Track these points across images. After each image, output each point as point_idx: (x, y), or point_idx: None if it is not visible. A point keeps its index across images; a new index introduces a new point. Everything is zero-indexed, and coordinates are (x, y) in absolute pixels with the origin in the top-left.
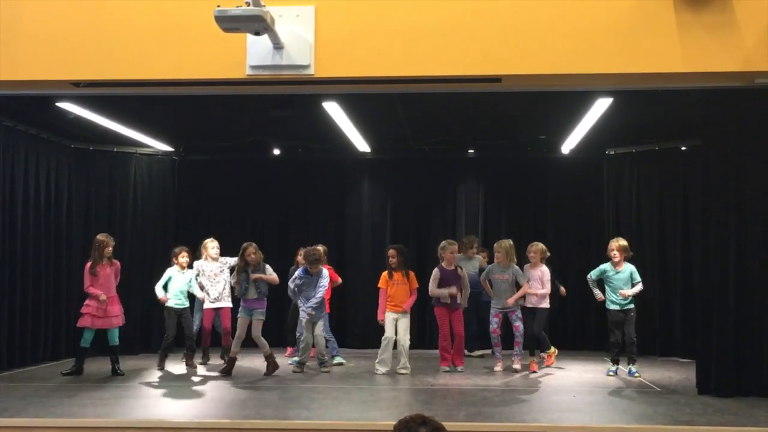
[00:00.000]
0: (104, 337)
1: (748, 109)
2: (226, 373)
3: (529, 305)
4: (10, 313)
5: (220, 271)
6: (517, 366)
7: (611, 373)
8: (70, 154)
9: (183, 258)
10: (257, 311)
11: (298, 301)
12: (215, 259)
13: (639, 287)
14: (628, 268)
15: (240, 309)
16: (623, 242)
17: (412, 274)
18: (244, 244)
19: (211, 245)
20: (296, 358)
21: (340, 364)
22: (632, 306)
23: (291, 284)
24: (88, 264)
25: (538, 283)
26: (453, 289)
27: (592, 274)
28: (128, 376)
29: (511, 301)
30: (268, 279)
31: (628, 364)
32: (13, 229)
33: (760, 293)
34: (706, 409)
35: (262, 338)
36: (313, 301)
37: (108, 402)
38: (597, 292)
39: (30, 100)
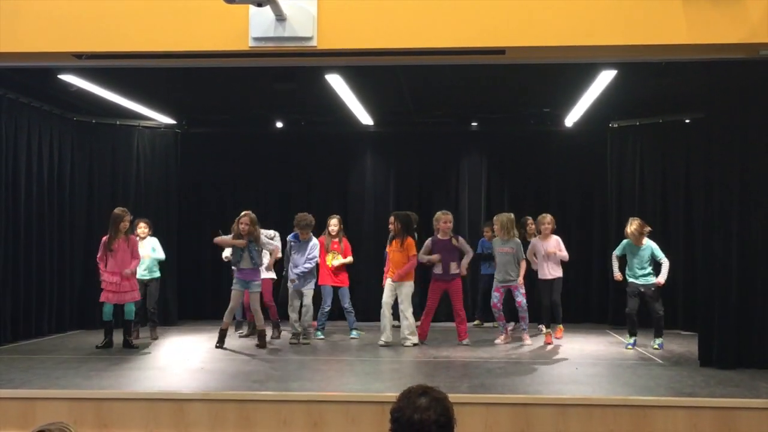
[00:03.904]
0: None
1: (753, 81)
2: (219, 345)
3: (546, 277)
4: (14, 285)
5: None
6: (528, 341)
7: (629, 347)
8: (72, 127)
9: (140, 229)
10: (253, 283)
11: (289, 270)
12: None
13: (665, 266)
14: (649, 246)
15: (234, 281)
16: (633, 226)
17: (408, 241)
18: (242, 213)
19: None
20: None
21: (355, 337)
22: (652, 281)
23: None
24: (105, 238)
25: (554, 253)
26: (435, 256)
27: (617, 251)
28: (132, 349)
29: (520, 280)
30: (271, 250)
31: (654, 337)
32: (16, 202)
33: (763, 266)
34: (708, 381)
35: (260, 311)
36: (300, 270)
37: (112, 374)
38: (616, 271)
39: (33, 73)
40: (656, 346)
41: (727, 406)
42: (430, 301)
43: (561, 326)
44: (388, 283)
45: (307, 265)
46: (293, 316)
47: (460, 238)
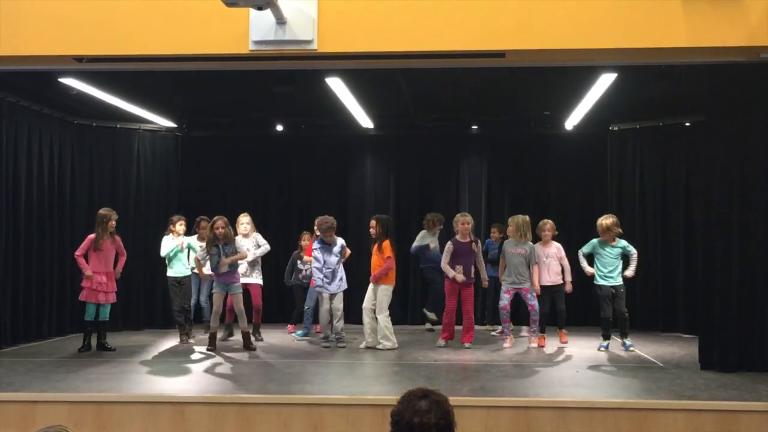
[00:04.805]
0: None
1: (753, 84)
2: (211, 348)
3: (546, 284)
4: (14, 288)
5: (251, 248)
6: (534, 344)
7: (602, 348)
8: (73, 130)
9: (180, 226)
10: (233, 285)
11: (314, 273)
12: (246, 236)
13: (635, 259)
14: (620, 243)
15: (215, 284)
16: (608, 221)
17: (385, 244)
18: (215, 218)
19: (242, 221)
20: (302, 332)
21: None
22: (621, 282)
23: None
24: (92, 236)
25: (554, 259)
26: (460, 276)
27: (584, 249)
28: (132, 352)
29: (537, 288)
30: (235, 259)
31: (622, 338)
32: (16, 205)
33: (763, 268)
34: (708, 384)
35: (244, 313)
36: (326, 270)
37: (113, 377)
38: (587, 267)
39: (33, 76)
40: (633, 349)
41: (728, 409)
42: (450, 303)
43: (564, 331)
44: (369, 288)
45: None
46: (324, 320)
47: (479, 244)
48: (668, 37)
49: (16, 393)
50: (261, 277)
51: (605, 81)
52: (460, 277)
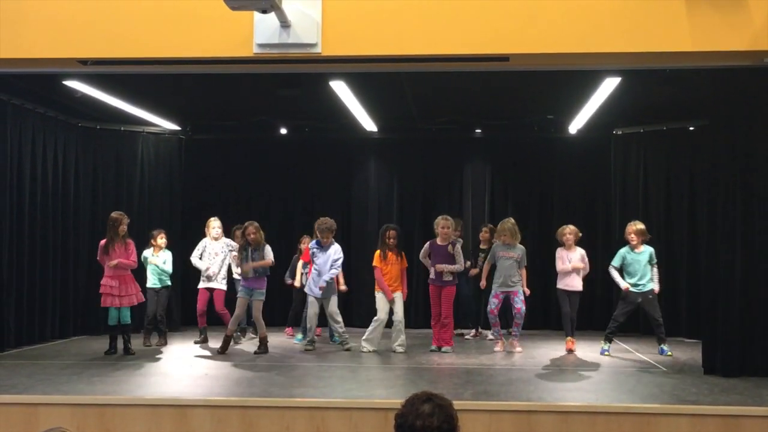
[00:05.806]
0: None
1: (757, 88)
2: (223, 350)
3: (566, 288)
4: (18, 291)
5: (221, 252)
6: (518, 349)
7: (606, 353)
8: (77, 133)
9: (161, 240)
10: (257, 291)
11: (309, 278)
12: (216, 239)
13: (656, 272)
14: (647, 250)
15: (239, 288)
16: (641, 226)
17: (402, 253)
18: (246, 223)
19: (213, 224)
20: (301, 336)
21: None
22: (651, 287)
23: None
24: (103, 242)
25: (580, 263)
26: (429, 264)
27: (614, 263)
28: (136, 355)
29: (527, 290)
30: (260, 265)
31: (659, 344)
32: (21, 207)
33: (766, 273)
34: (712, 388)
35: (261, 320)
36: (327, 277)
37: (116, 380)
38: (622, 282)
39: (37, 79)
40: (670, 354)
41: (731, 414)
42: (434, 308)
43: (573, 339)
44: (384, 297)
45: (333, 272)
46: (309, 325)
47: (457, 247)
48: (672, 41)
49: (20, 395)
50: (225, 282)
51: (609, 85)
52: (428, 264)
